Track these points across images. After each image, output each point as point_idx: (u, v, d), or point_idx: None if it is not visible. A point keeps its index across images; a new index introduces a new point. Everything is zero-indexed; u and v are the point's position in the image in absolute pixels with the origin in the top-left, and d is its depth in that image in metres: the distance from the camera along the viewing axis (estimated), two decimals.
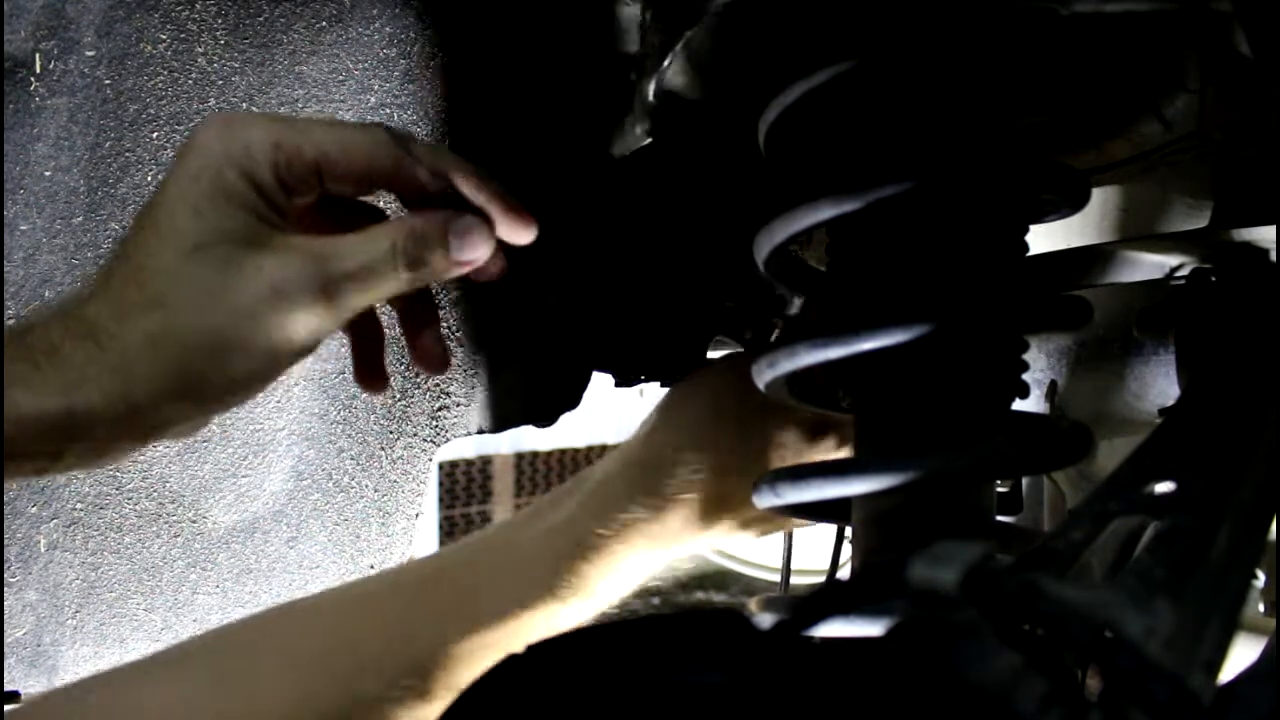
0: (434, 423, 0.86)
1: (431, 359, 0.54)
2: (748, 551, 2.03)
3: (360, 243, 0.46)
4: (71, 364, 0.43)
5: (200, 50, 0.67)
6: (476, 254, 0.49)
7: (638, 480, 0.67)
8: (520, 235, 0.51)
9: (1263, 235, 0.60)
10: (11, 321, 0.57)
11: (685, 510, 0.66)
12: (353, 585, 0.64)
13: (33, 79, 0.63)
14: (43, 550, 0.74)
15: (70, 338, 0.44)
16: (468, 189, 0.49)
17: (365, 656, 0.56)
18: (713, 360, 0.76)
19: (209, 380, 0.45)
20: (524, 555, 0.64)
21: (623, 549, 0.65)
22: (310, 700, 0.54)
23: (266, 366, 0.46)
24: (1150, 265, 0.66)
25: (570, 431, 6.16)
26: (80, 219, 0.67)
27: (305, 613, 0.60)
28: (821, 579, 0.88)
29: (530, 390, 0.88)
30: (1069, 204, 0.56)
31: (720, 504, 0.67)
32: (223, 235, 0.44)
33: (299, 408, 0.80)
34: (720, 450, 0.67)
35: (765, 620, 0.28)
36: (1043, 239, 0.63)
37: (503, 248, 0.51)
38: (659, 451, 0.68)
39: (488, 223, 0.49)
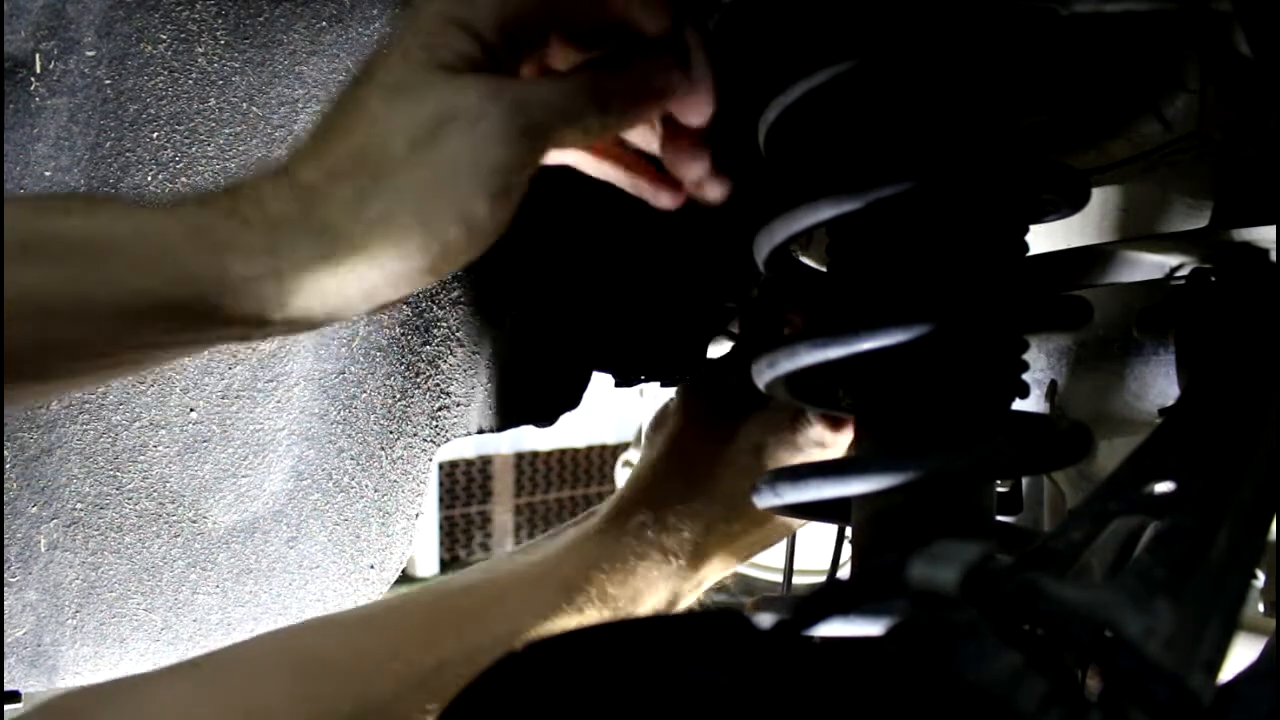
0: (434, 423, 0.86)
1: (709, 188, 0.53)
2: None
3: (558, 85, 0.46)
4: (280, 224, 0.43)
5: (200, 50, 0.67)
6: (657, 100, 0.49)
7: (643, 496, 0.69)
8: (702, 111, 0.50)
9: (1263, 235, 0.60)
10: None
11: (695, 522, 0.67)
12: (359, 607, 0.65)
13: (33, 79, 0.63)
14: (43, 550, 0.74)
15: (279, 198, 0.43)
16: (690, 41, 0.49)
17: (371, 662, 0.56)
18: (707, 372, 0.77)
19: (416, 231, 0.44)
20: (543, 567, 0.65)
21: (639, 563, 0.65)
22: (312, 701, 0.54)
23: (470, 219, 0.44)
24: (1150, 265, 0.66)
25: (570, 431, 6.16)
26: None
27: (310, 625, 0.61)
28: (821, 579, 0.88)
29: (530, 390, 0.88)
30: (1069, 204, 0.56)
31: (728, 515, 0.68)
32: (432, 82, 0.43)
33: (299, 408, 0.80)
34: (711, 462, 0.69)
35: (765, 620, 0.28)
36: (1043, 239, 0.63)
37: (717, 178, 0.52)
38: (656, 465, 0.70)
39: (680, 70, 0.49)
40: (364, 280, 0.44)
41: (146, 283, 0.42)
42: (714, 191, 0.52)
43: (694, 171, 0.52)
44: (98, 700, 0.52)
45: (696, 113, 0.50)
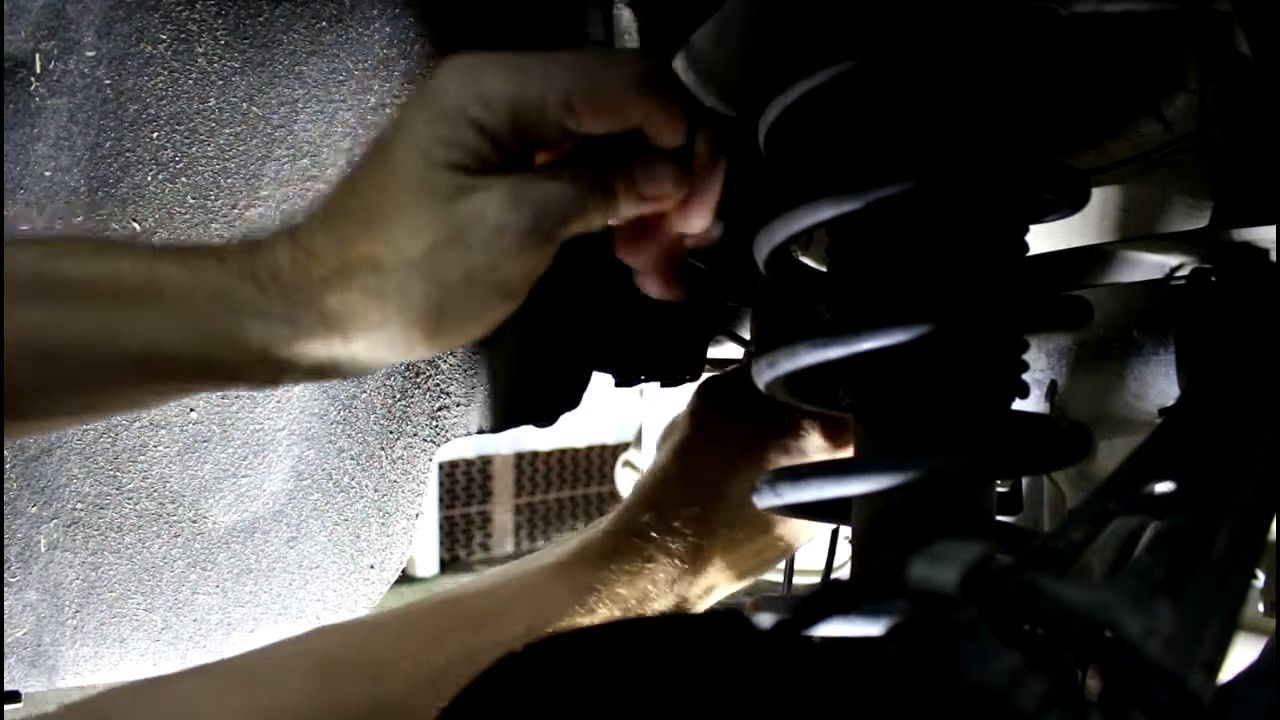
0: (434, 423, 0.86)
1: (668, 286, 0.54)
2: None
3: (570, 184, 0.47)
4: (298, 299, 0.45)
5: (200, 50, 0.67)
6: (659, 204, 0.50)
7: (649, 500, 0.69)
8: (698, 223, 0.51)
9: (1263, 235, 0.60)
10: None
11: (698, 526, 0.68)
12: (374, 613, 0.65)
13: (33, 79, 0.63)
14: (43, 550, 0.74)
15: (296, 269, 0.45)
16: (700, 150, 0.49)
17: (382, 662, 0.57)
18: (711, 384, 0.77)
19: (429, 321, 0.46)
20: (554, 569, 0.66)
21: (645, 565, 0.66)
22: (326, 701, 0.54)
23: (483, 313, 0.47)
24: (1150, 265, 0.66)
25: (570, 431, 6.17)
26: (80, 219, 0.67)
27: (326, 629, 0.61)
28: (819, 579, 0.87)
29: (530, 390, 0.88)
30: (1069, 204, 0.56)
31: (730, 519, 0.68)
32: (453, 186, 0.44)
33: (299, 408, 0.80)
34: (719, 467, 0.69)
35: (765, 620, 0.28)
36: (1043, 239, 0.63)
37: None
38: (661, 470, 0.71)
39: (687, 176, 0.50)
40: (373, 354, 0.47)
41: (164, 338, 0.44)
42: (704, 240, 0.53)
43: (664, 244, 0.53)
44: (129, 701, 0.53)
45: (693, 222, 0.51)
